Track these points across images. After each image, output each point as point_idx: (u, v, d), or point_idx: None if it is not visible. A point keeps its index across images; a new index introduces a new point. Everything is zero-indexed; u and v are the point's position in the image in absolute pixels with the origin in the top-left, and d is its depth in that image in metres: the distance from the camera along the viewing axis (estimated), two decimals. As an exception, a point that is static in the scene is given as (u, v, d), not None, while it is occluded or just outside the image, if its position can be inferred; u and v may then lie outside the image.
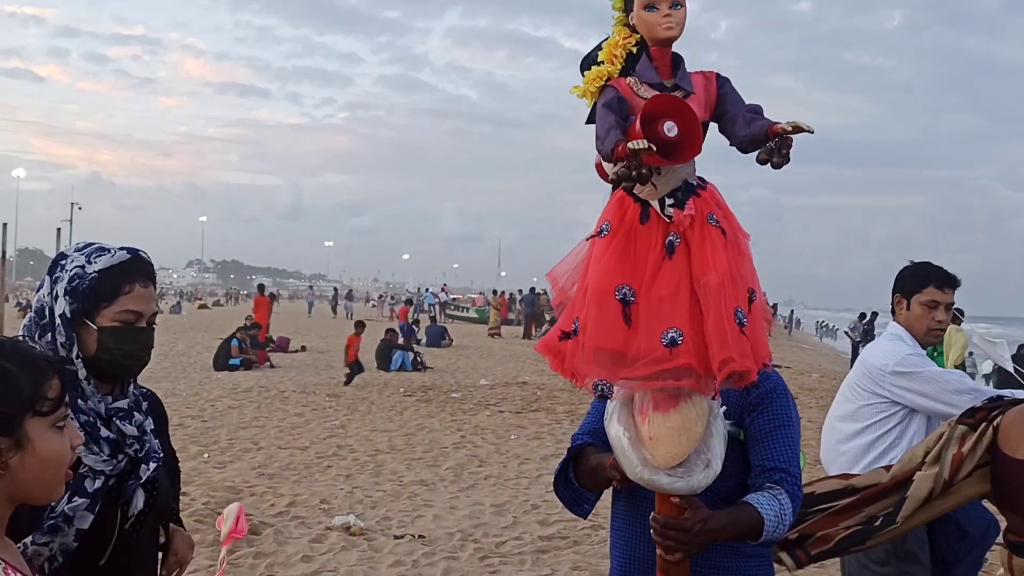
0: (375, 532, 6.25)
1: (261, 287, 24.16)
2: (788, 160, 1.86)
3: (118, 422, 1.94)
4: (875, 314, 26.54)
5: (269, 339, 20.82)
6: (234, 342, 17.70)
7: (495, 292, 41.50)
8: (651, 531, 2.00)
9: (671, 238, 1.94)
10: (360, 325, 17.05)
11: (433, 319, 29.97)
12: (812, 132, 1.83)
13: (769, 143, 1.86)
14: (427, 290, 53.97)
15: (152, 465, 1.97)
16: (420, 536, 6.20)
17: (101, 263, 1.91)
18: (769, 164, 1.86)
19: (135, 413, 1.99)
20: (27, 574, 1.40)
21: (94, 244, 1.98)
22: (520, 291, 40.82)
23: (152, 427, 2.04)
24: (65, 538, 1.83)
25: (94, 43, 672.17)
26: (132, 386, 2.03)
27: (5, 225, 19.81)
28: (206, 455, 8.60)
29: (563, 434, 10.50)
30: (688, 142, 1.88)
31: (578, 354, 1.97)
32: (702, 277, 1.90)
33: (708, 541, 1.99)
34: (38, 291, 1.96)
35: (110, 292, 1.90)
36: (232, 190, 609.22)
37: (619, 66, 2.02)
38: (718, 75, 2.02)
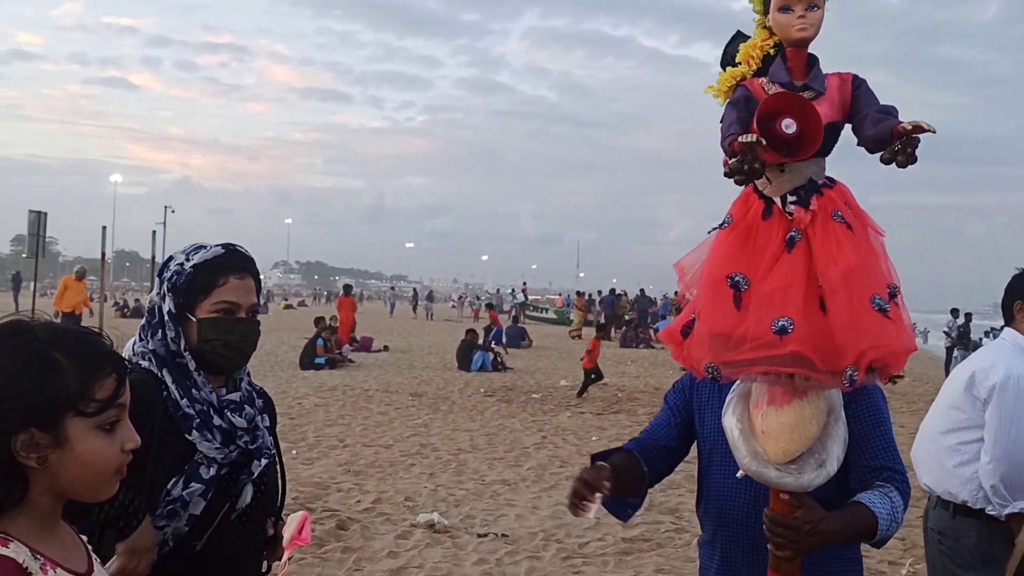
0: (459, 530, 6.32)
1: (347, 287, 24.63)
2: (913, 160, 1.84)
3: (229, 414, 2.03)
4: (969, 316, 25.57)
5: (353, 339, 21.23)
6: (319, 341, 18.08)
7: (578, 293, 41.42)
8: (763, 525, 2.00)
9: (792, 234, 1.95)
10: (601, 328, 17.12)
11: (515, 319, 30.06)
12: (934, 132, 1.82)
13: (895, 143, 1.85)
14: (509, 291, 54.19)
15: (264, 461, 2.07)
16: (503, 535, 6.24)
17: (196, 259, 2.03)
18: (894, 163, 1.86)
19: (246, 407, 2.09)
20: (77, 569, 1.36)
21: (196, 244, 2.09)
22: (599, 292, 40.67)
23: (267, 424, 2.13)
24: (179, 523, 1.92)
25: (185, 51, 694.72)
26: (244, 381, 2.12)
27: (105, 228, 20.66)
28: (294, 452, 8.82)
29: (645, 436, 10.43)
30: (807, 140, 1.88)
31: (695, 341, 2.00)
32: (825, 272, 1.89)
33: (821, 542, 1.97)
34: (151, 293, 2.09)
35: (205, 286, 2.01)
36: (316, 193, 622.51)
37: (754, 67, 2.06)
38: (855, 77, 2.01)
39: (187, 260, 2.03)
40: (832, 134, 1.97)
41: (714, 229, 2.07)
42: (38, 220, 19.89)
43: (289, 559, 1.79)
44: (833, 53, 2.10)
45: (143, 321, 2.08)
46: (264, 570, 2.22)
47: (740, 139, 1.82)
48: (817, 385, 1.92)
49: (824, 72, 2.03)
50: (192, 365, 2.01)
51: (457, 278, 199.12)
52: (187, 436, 1.97)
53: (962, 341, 22.86)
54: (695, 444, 2.44)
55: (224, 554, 2.02)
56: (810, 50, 2.05)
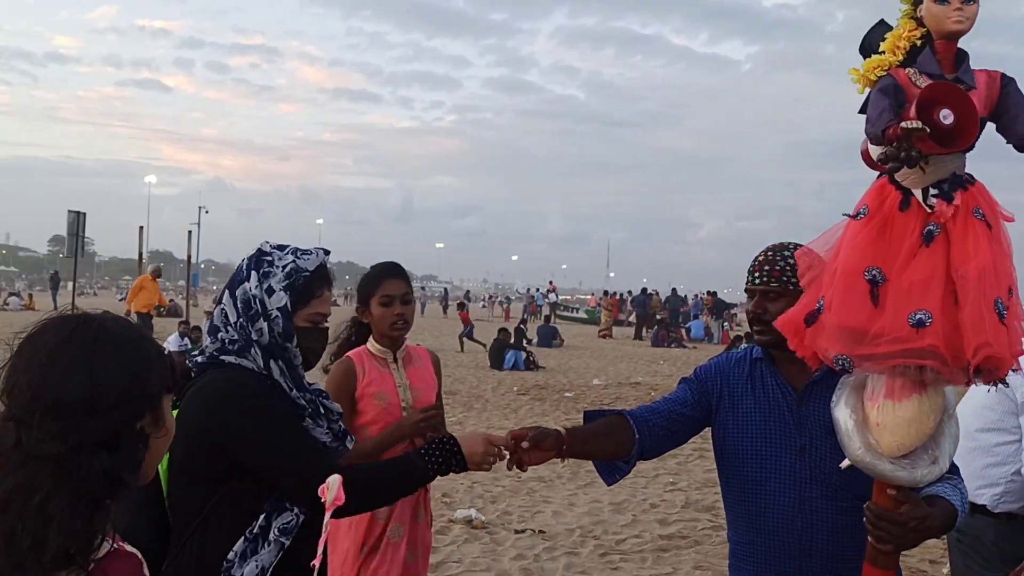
0: (496, 526, 6.36)
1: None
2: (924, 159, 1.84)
3: (324, 401, 2.16)
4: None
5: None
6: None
7: (606, 293, 41.33)
8: (864, 519, 2.01)
9: (931, 227, 1.93)
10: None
11: (547, 318, 30.10)
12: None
13: None
14: (537, 290, 54.20)
15: (349, 442, 2.19)
16: (540, 531, 6.28)
17: (311, 263, 2.11)
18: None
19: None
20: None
21: (290, 245, 2.17)
22: (630, 292, 40.58)
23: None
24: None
25: (217, 53, 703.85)
26: None
27: (142, 228, 21.00)
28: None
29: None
30: (963, 132, 1.87)
31: (821, 331, 2.00)
32: (961, 267, 1.88)
33: (924, 538, 2.02)
34: (237, 285, 2.10)
35: (309, 293, 2.10)
36: (346, 193, 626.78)
37: (900, 57, 2.02)
38: (1003, 75, 1.98)
39: (299, 260, 2.10)
40: (980, 130, 1.95)
41: (848, 216, 2.04)
42: (77, 220, 20.23)
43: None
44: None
45: (218, 313, 2.11)
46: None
47: (903, 124, 1.80)
48: (945, 380, 1.92)
49: (972, 68, 1.99)
50: (298, 359, 2.11)
51: (487, 278, 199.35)
52: (302, 424, 2.07)
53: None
54: (714, 441, 2.43)
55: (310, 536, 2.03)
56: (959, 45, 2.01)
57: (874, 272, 1.93)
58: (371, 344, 3.15)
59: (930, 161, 1.92)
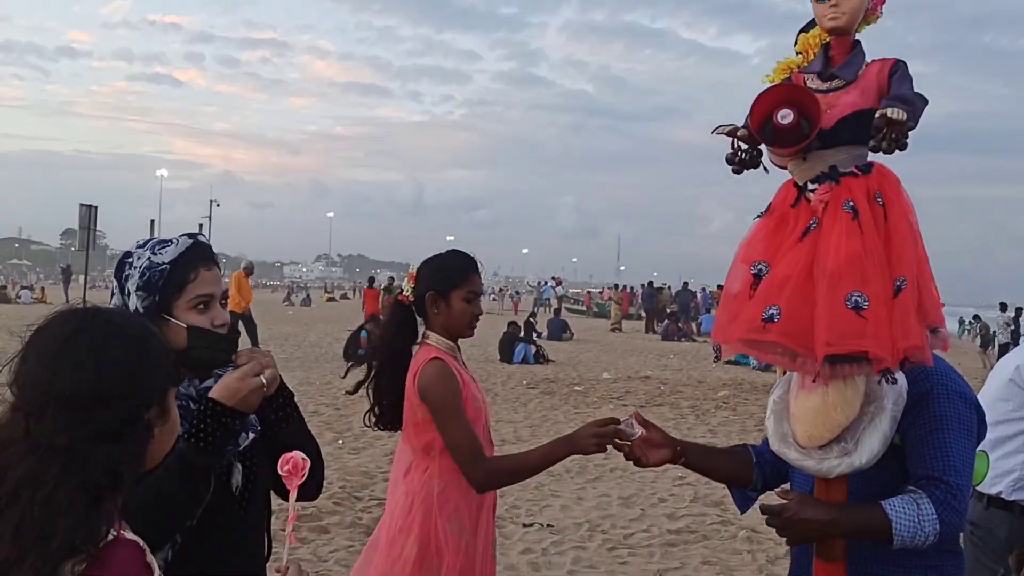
0: (504, 520, 6.35)
1: (371, 280, 25.24)
2: (897, 145, 1.84)
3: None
4: (1020, 310, 25.03)
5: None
6: (363, 333, 18.22)
7: (616, 286, 41.29)
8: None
9: (811, 223, 1.96)
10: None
11: (557, 312, 30.10)
12: (902, 120, 1.80)
13: (882, 130, 1.84)
14: (546, 283, 54.17)
15: (250, 435, 1.94)
16: (549, 525, 6.27)
17: (168, 254, 1.90)
18: (880, 150, 1.88)
19: None
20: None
21: (153, 238, 1.99)
22: (642, 286, 40.55)
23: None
24: None
25: (228, 47, 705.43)
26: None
27: (153, 221, 21.06)
28: (340, 441, 8.92)
29: (688, 429, 10.39)
30: (805, 129, 1.93)
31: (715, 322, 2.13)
32: (821, 262, 1.91)
33: (811, 531, 1.99)
34: (112, 297, 1.95)
35: (179, 281, 1.89)
36: (357, 186, 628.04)
37: (811, 57, 2.08)
38: (895, 63, 1.98)
39: (154, 255, 1.90)
40: (861, 122, 1.93)
41: (756, 217, 2.10)
42: (89, 214, 20.32)
43: (298, 512, 1.78)
44: (874, 43, 2.12)
45: None
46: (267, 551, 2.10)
47: (716, 129, 1.94)
48: (797, 371, 1.99)
49: (872, 59, 2.02)
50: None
51: (498, 271, 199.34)
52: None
53: (1015, 339, 22.34)
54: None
55: (231, 540, 1.94)
56: (858, 38, 2.04)
57: (760, 266, 2.01)
58: (437, 339, 2.81)
59: (808, 157, 2.00)
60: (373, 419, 2.86)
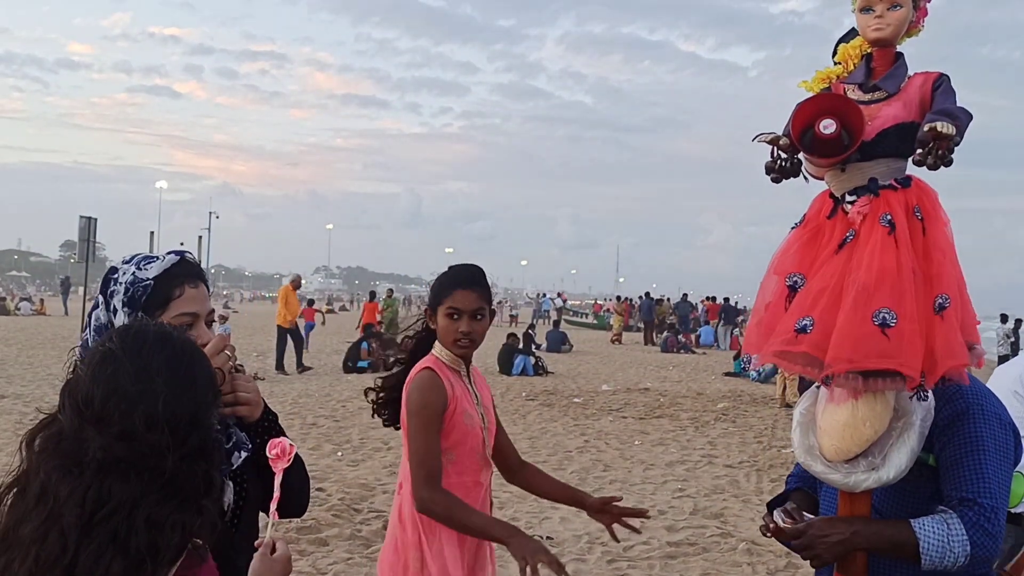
0: (503, 532, 6.32)
1: (372, 294, 25.24)
2: (944, 161, 1.81)
3: None
4: (1019, 322, 25.02)
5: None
6: (363, 345, 18.22)
7: (618, 298, 41.30)
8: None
9: (848, 235, 1.95)
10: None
11: (556, 323, 30.07)
12: (950, 134, 1.78)
13: (928, 145, 1.82)
14: (545, 295, 54.14)
15: (243, 454, 1.92)
16: (548, 537, 6.24)
17: (153, 270, 1.89)
18: (924, 165, 1.84)
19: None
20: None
21: (140, 254, 1.98)
22: (640, 298, 40.58)
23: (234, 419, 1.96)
24: None
25: (227, 59, 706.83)
26: None
27: (152, 233, 21.05)
28: (339, 453, 8.89)
29: (687, 441, 10.38)
30: (848, 141, 1.90)
31: (747, 332, 2.10)
32: (853, 274, 1.89)
33: (836, 545, 1.94)
34: (94, 310, 1.94)
35: (163, 299, 1.88)
36: (356, 198, 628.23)
37: (851, 67, 2.06)
38: (940, 75, 1.96)
39: (139, 270, 1.89)
40: (903, 135, 1.93)
41: (793, 227, 2.09)
42: (88, 225, 20.31)
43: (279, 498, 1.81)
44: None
45: (83, 338, 1.93)
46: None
47: (758, 137, 1.90)
48: (892, 390, 1.91)
49: (915, 72, 2.00)
50: None
51: (497, 283, 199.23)
52: None
53: (1014, 351, 22.31)
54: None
55: (220, 559, 1.83)
56: (900, 49, 2.03)
57: (796, 278, 2.00)
58: (441, 351, 2.77)
59: (847, 168, 1.97)
60: (381, 414, 2.90)
